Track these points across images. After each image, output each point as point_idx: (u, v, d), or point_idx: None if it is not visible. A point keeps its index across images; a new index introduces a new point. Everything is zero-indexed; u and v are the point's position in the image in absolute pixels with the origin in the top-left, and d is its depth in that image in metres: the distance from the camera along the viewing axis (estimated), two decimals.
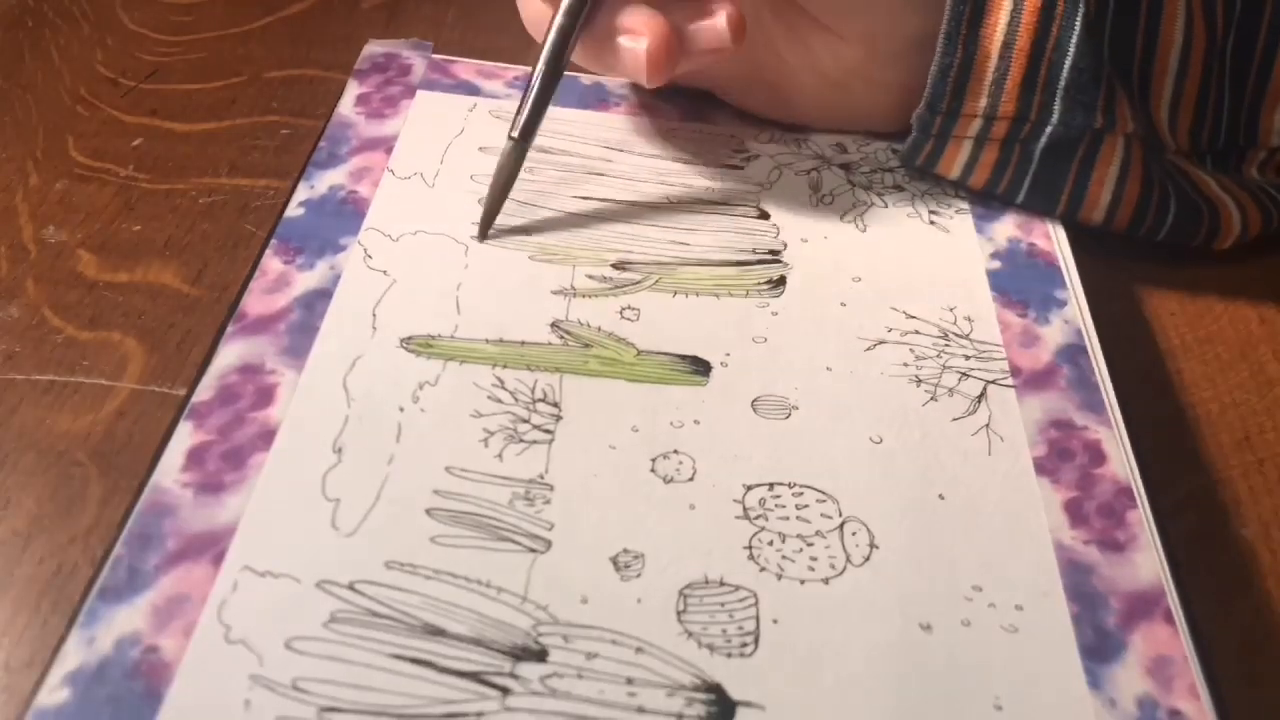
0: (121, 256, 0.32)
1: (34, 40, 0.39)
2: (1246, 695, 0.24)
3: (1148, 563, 0.26)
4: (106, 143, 0.35)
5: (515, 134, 0.32)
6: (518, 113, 0.32)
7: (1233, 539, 0.28)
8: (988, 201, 0.36)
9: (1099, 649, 0.24)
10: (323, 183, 0.34)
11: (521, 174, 0.35)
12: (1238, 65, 0.35)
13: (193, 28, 0.40)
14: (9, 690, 0.22)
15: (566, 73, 0.39)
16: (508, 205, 0.34)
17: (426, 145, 0.36)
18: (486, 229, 0.33)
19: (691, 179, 0.36)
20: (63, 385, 0.28)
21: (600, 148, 0.37)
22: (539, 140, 0.37)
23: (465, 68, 0.39)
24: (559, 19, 0.32)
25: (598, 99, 0.39)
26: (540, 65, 0.32)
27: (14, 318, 0.29)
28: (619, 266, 0.33)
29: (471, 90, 0.39)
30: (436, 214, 0.33)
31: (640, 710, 0.22)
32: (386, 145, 0.36)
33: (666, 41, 0.31)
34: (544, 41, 0.32)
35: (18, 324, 0.29)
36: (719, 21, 0.32)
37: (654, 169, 0.36)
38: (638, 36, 0.32)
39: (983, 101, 0.34)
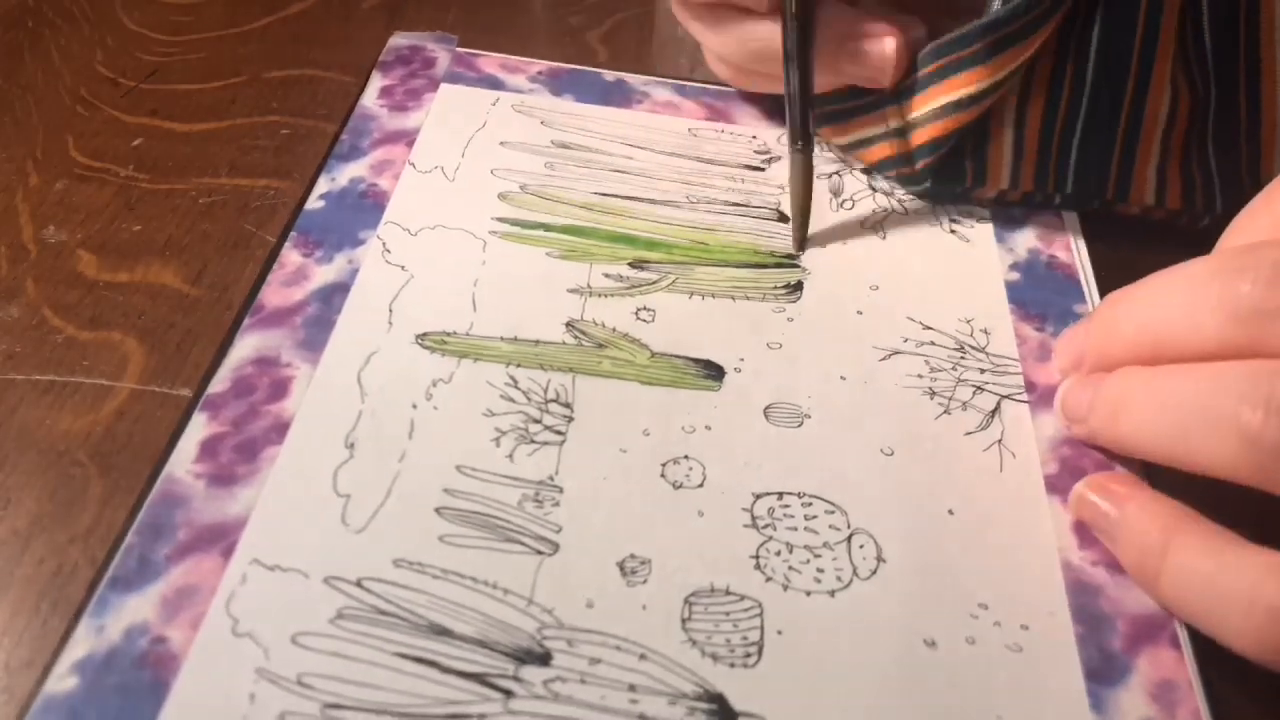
0: (121, 256, 0.32)
1: (34, 40, 0.39)
2: None
3: None
4: (106, 143, 0.35)
5: (797, 145, 0.33)
6: (789, 124, 0.34)
7: None
8: (1010, 209, 0.36)
9: (1103, 671, 0.24)
10: (343, 175, 0.34)
11: (541, 170, 0.35)
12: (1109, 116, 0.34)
13: (193, 28, 0.40)
14: (9, 690, 0.22)
15: (588, 68, 0.40)
16: (529, 200, 0.34)
17: (448, 139, 0.36)
18: (801, 243, 0.34)
19: (712, 179, 0.36)
20: (63, 385, 0.28)
21: (622, 144, 0.37)
22: (560, 135, 0.37)
23: (489, 61, 0.39)
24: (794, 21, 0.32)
25: (621, 95, 0.39)
26: (793, 68, 0.33)
27: (14, 318, 0.30)
28: (636, 265, 0.33)
29: (495, 84, 0.39)
30: (456, 209, 0.33)
31: (642, 717, 0.22)
32: (408, 138, 0.36)
33: (907, 45, 0.33)
34: (786, 43, 0.33)
35: (18, 324, 0.29)
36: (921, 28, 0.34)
37: (675, 168, 0.36)
38: (883, 38, 0.33)
39: (912, 114, 0.35)
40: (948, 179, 0.35)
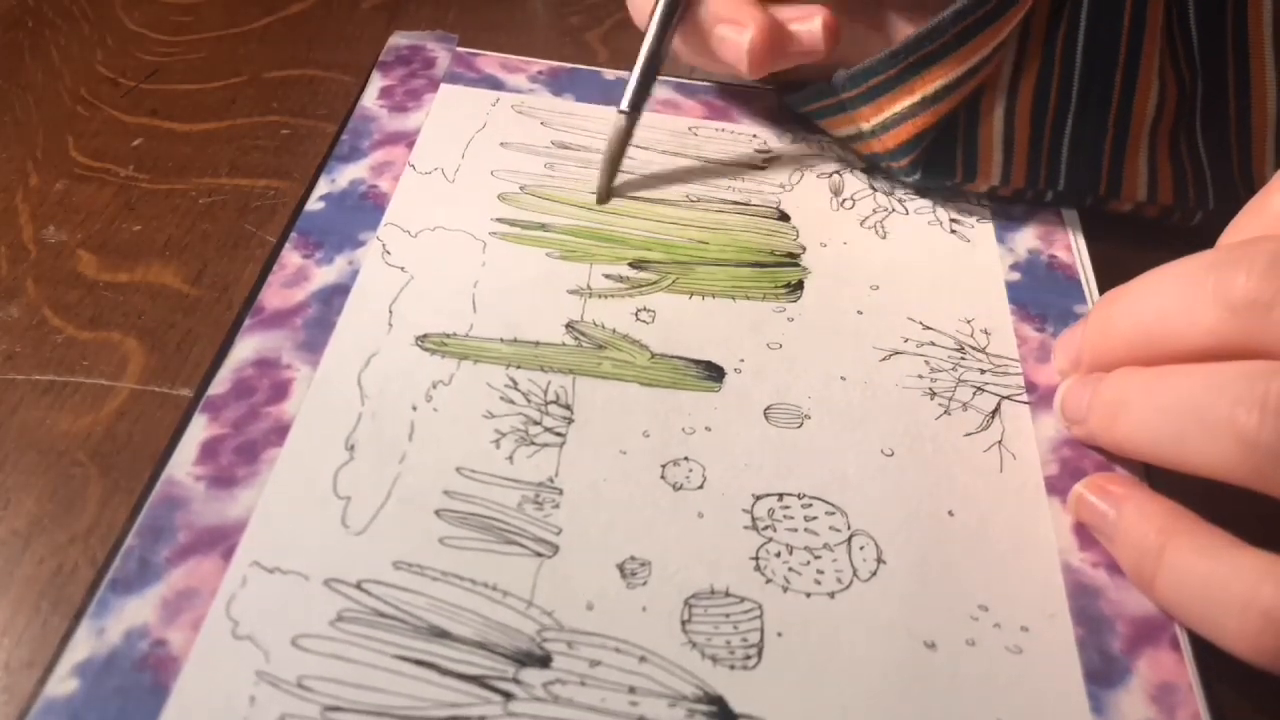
0: (121, 256, 0.32)
1: (34, 40, 0.39)
2: None
3: None
4: (106, 143, 0.35)
5: (624, 107, 0.34)
6: (627, 86, 0.34)
7: None
8: (1010, 208, 0.36)
9: (1103, 673, 0.24)
10: (344, 177, 0.34)
11: (541, 170, 0.35)
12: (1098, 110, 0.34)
13: (193, 28, 0.40)
14: (9, 690, 0.22)
15: (588, 67, 0.40)
16: (529, 201, 0.34)
17: (448, 140, 0.36)
18: (604, 197, 0.35)
19: (712, 178, 0.36)
20: (63, 385, 0.28)
21: None
22: (560, 135, 0.37)
23: (489, 61, 0.39)
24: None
25: (621, 95, 0.39)
26: (647, 40, 0.34)
27: (14, 318, 0.30)
28: (636, 265, 0.33)
29: (495, 84, 0.38)
30: (456, 210, 0.33)
31: (642, 719, 0.22)
32: (408, 139, 0.36)
33: (768, 33, 0.33)
34: (650, 14, 0.33)
35: (18, 324, 0.30)
36: (815, 26, 0.33)
37: (675, 167, 0.36)
38: (741, 28, 0.33)
39: (876, 119, 0.34)
40: (938, 173, 0.35)
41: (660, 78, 0.39)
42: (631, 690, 0.23)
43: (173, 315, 0.30)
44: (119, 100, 0.37)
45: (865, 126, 0.35)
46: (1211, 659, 0.25)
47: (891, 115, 0.33)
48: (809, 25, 0.33)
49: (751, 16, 0.33)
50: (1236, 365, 0.24)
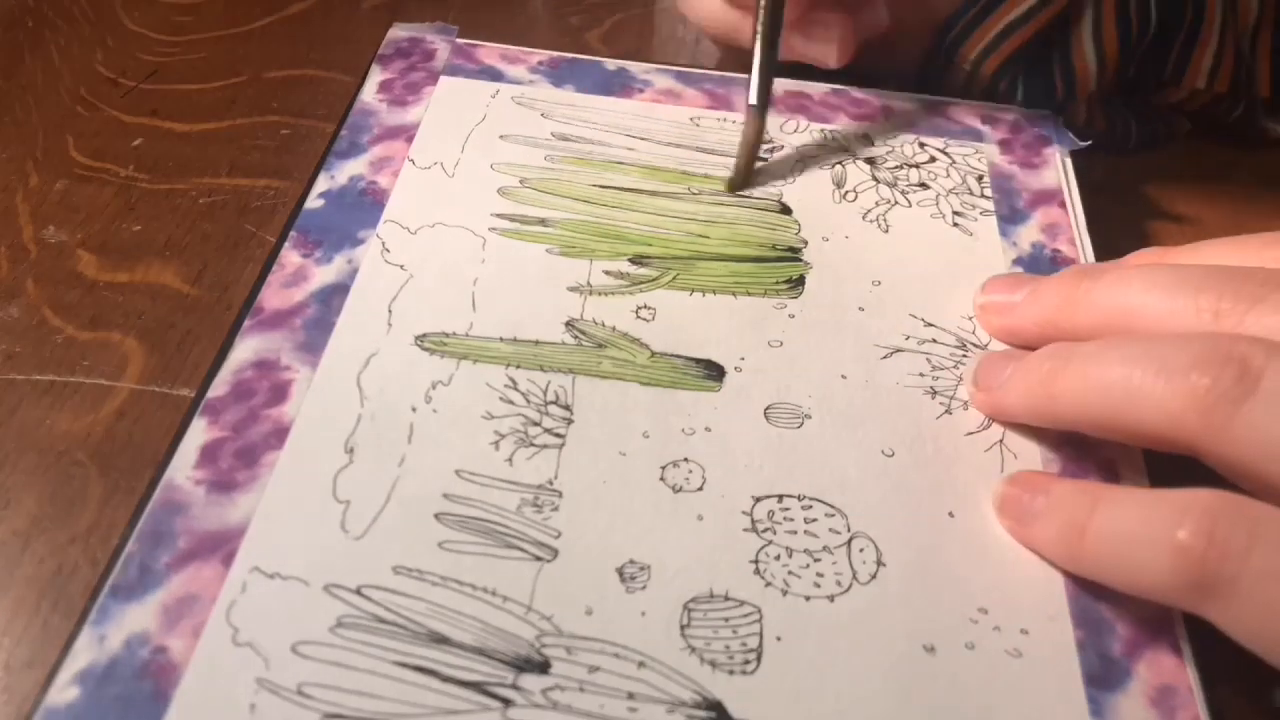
0: (121, 256, 0.32)
1: (34, 40, 0.39)
2: None
3: None
4: (106, 143, 0.35)
5: (753, 102, 0.35)
6: (750, 82, 0.35)
7: None
8: (1014, 200, 0.35)
9: (1103, 676, 0.24)
10: (343, 173, 0.34)
11: (541, 163, 0.35)
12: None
13: (193, 28, 0.40)
14: (9, 690, 0.22)
15: (590, 57, 0.39)
16: (529, 195, 0.34)
17: (448, 133, 0.36)
18: (740, 186, 0.36)
19: (713, 169, 0.36)
20: (63, 385, 0.28)
21: (622, 135, 0.37)
22: (561, 127, 0.36)
23: (489, 52, 0.39)
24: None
25: (622, 85, 0.38)
26: (759, 27, 0.35)
27: (14, 318, 0.30)
28: (636, 261, 0.32)
29: (495, 76, 0.38)
30: (455, 206, 0.33)
31: None
32: (408, 134, 0.35)
33: (850, 30, 0.37)
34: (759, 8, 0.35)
35: (18, 324, 0.30)
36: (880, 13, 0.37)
37: (676, 158, 0.36)
38: (828, 26, 0.37)
39: (974, 54, 0.38)
40: (1039, 90, 0.38)
41: (661, 67, 0.39)
42: (630, 696, 0.23)
43: (173, 315, 0.30)
44: (119, 100, 0.37)
45: (967, 67, 0.38)
46: (1212, 662, 0.25)
47: (986, 44, 0.37)
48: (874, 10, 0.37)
49: (830, 15, 0.36)
50: (1205, 332, 0.24)
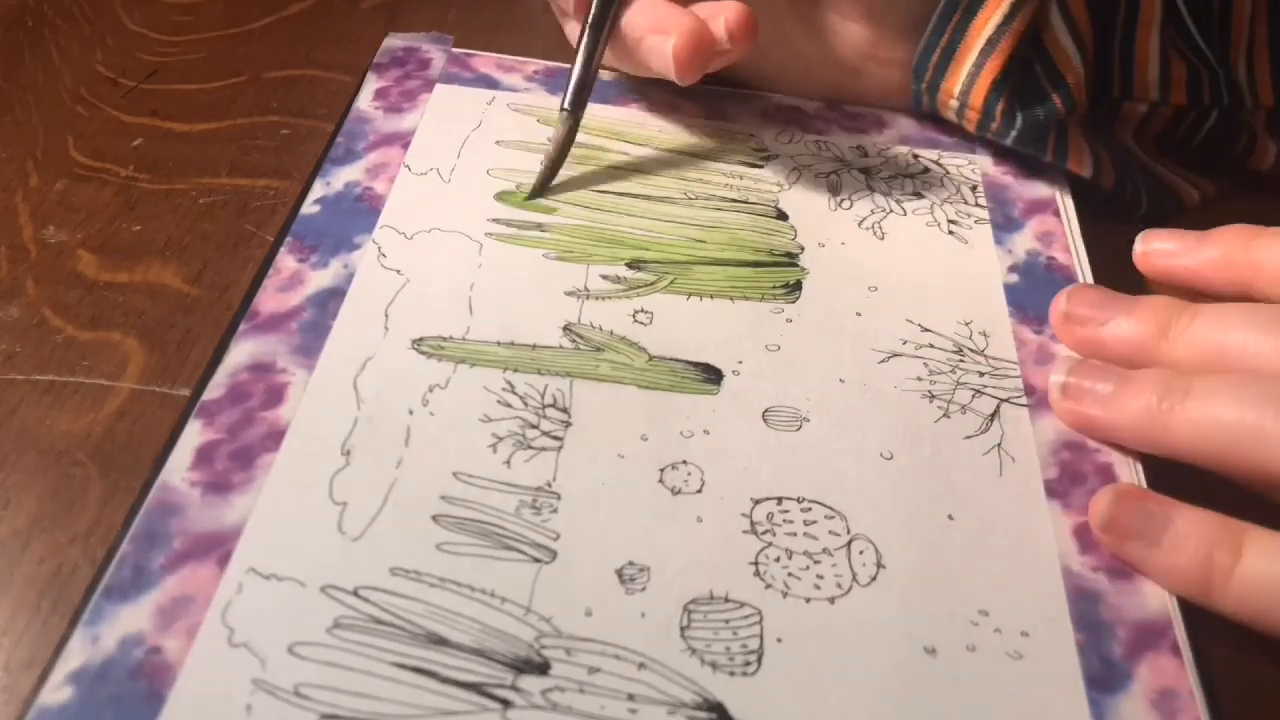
0: (121, 256, 0.32)
1: (34, 40, 0.39)
2: None
3: (1156, 592, 0.26)
4: (106, 143, 0.35)
5: (565, 105, 0.34)
6: (565, 85, 0.34)
7: None
8: (1008, 209, 0.36)
9: (1104, 679, 0.24)
10: (339, 179, 0.34)
11: (536, 168, 0.35)
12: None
13: (193, 28, 0.40)
14: (9, 690, 0.22)
15: None
16: (522, 199, 0.34)
17: (444, 140, 0.36)
18: (538, 193, 0.34)
19: (709, 176, 0.36)
20: (63, 385, 0.28)
21: (619, 142, 0.37)
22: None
23: (484, 61, 0.39)
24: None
25: (618, 95, 0.39)
26: (583, 35, 0.34)
27: (14, 318, 0.29)
28: (633, 266, 0.32)
29: (490, 84, 0.38)
30: (451, 211, 0.33)
31: None
32: (404, 140, 0.35)
33: (694, 37, 0.32)
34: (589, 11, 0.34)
35: (18, 324, 0.29)
36: (719, 27, 0.33)
37: (672, 165, 0.36)
38: (665, 35, 0.32)
39: (957, 88, 0.36)
40: (1033, 119, 0.35)
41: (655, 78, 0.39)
42: (630, 697, 0.23)
43: (173, 315, 0.30)
44: (119, 100, 0.37)
45: (954, 102, 0.36)
46: (1213, 664, 0.25)
47: (966, 74, 0.35)
48: (717, 24, 0.33)
49: (675, 22, 0.32)
50: None
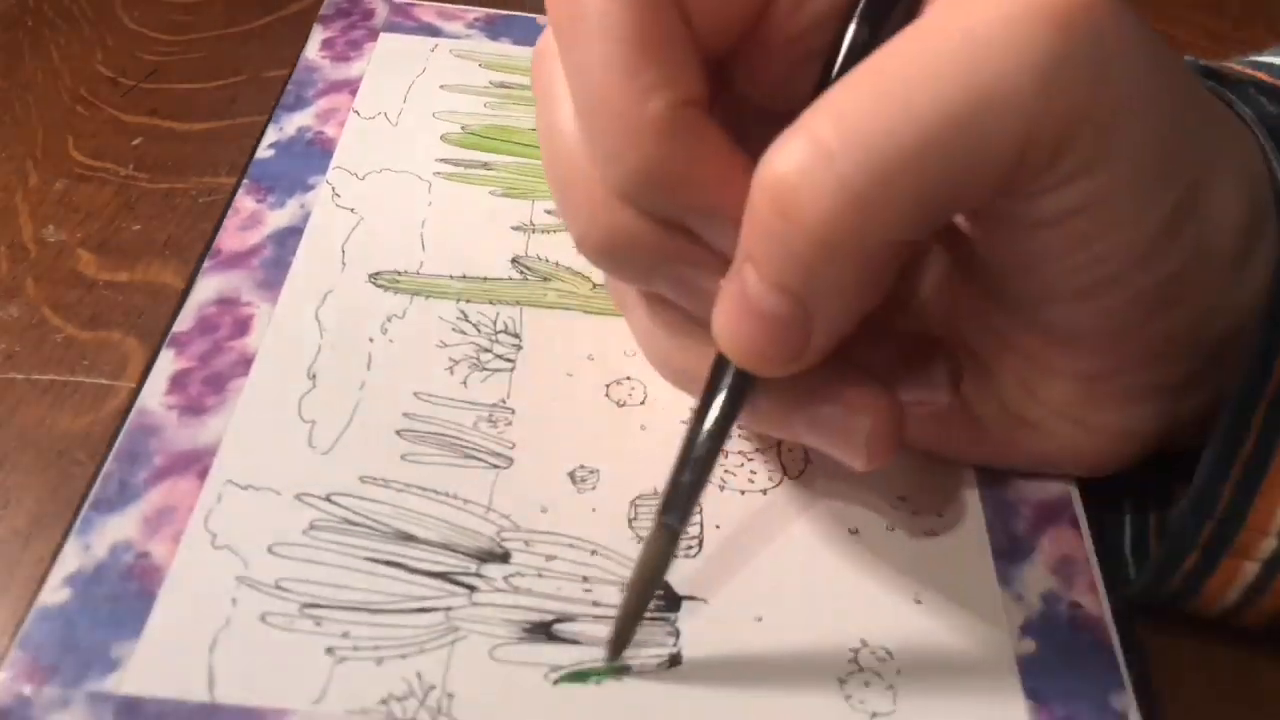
0: (121, 256, 0.32)
1: (34, 40, 0.39)
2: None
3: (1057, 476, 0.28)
4: (106, 142, 0.35)
5: (668, 518, 0.22)
6: (670, 491, 0.23)
7: None
8: None
9: (1010, 551, 0.27)
10: (290, 125, 0.35)
11: (481, 110, 0.37)
12: None
13: (193, 27, 0.40)
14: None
15: (524, 14, 0.41)
16: (470, 140, 0.36)
17: (390, 85, 0.37)
18: (618, 651, 0.24)
19: None
20: (63, 385, 0.28)
21: None
22: (499, 76, 0.38)
23: (426, 10, 0.41)
24: (724, 395, 0.22)
25: None
26: (698, 448, 0.22)
27: (14, 317, 0.30)
28: None
29: (433, 32, 0.40)
30: (401, 152, 0.35)
31: (595, 604, 0.25)
32: (351, 87, 0.37)
33: (894, 420, 0.23)
34: (701, 413, 0.22)
35: (18, 324, 0.30)
36: (937, 374, 0.26)
37: None
38: (857, 413, 0.23)
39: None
40: None
41: None
42: (585, 579, 0.25)
43: (173, 314, 0.30)
44: (119, 100, 0.37)
45: (1274, 543, 0.24)
46: (1105, 533, 0.27)
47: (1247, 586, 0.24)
48: (930, 375, 0.26)
49: (874, 403, 0.23)
50: None
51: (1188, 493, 0.24)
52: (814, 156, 0.19)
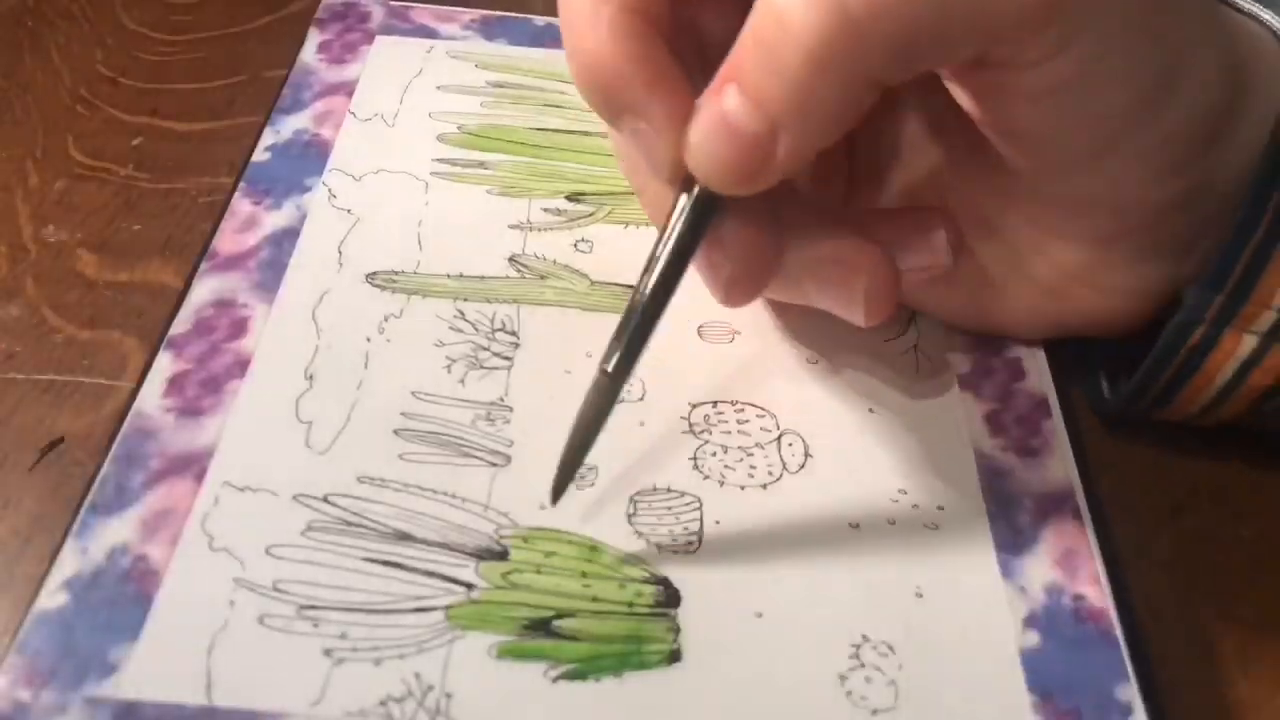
0: (121, 256, 0.32)
1: (34, 40, 0.39)
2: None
3: (1059, 466, 0.28)
4: (106, 142, 0.35)
5: (608, 367, 0.24)
6: (613, 343, 0.25)
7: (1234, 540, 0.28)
8: None
9: (1013, 543, 0.27)
10: (287, 127, 0.35)
11: (477, 109, 0.37)
12: None
13: (193, 27, 0.40)
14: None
15: (519, 15, 0.41)
16: (467, 140, 0.36)
17: (386, 87, 0.37)
18: (560, 491, 0.25)
19: None
20: (63, 385, 0.28)
21: (554, 81, 0.38)
22: (495, 76, 0.38)
23: (422, 12, 0.41)
24: (677, 230, 0.24)
25: (552, 38, 0.40)
26: (646, 290, 0.25)
27: (14, 317, 0.30)
28: (572, 198, 0.34)
29: (429, 34, 0.40)
30: (397, 153, 0.35)
31: (594, 599, 0.24)
32: (348, 89, 0.37)
33: (889, 278, 0.26)
34: (656, 254, 0.25)
35: (18, 324, 0.30)
36: (937, 240, 0.27)
37: None
38: (853, 271, 0.26)
39: None
40: None
41: None
42: (584, 575, 0.25)
43: (172, 314, 0.30)
44: (119, 100, 0.37)
45: (1275, 315, 0.26)
46: (1109, 525, 0.27)
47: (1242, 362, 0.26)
48: (929, 238, 0.27)
49: (866, 259, 0.26)
50: None
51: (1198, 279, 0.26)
52: None
